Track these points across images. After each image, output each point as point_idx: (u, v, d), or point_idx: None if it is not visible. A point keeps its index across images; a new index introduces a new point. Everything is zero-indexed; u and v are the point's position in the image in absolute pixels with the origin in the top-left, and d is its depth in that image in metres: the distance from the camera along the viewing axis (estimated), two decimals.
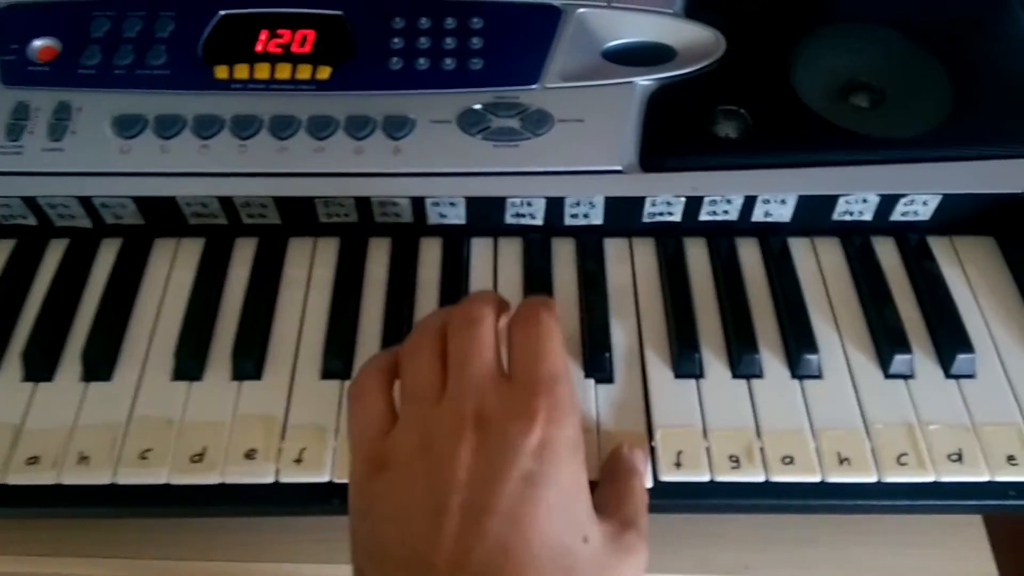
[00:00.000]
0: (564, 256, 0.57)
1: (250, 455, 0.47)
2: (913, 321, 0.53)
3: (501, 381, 0.39)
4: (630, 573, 0.38)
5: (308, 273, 0.56)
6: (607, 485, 0.43)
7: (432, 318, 0.43)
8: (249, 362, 0.51)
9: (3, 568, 0.52)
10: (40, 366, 0.51)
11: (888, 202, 0.55)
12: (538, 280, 0.55)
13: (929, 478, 0.46)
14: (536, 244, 0.57)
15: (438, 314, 0.43)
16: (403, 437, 0.38)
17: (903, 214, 0.56)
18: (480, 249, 0.57)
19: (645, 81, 0.57)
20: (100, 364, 0.51)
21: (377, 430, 0.40)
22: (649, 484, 0.45)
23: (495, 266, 0.57)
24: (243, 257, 0.56)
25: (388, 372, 0.42)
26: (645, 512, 0.42)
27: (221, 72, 0.57)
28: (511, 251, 0.57)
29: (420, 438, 0.38)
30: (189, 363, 0.51)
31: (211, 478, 0.47)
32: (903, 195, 0.54)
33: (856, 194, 0.54)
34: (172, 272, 0.56)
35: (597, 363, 0.51)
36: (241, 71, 0.57)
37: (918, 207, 0.55)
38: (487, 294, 0.44)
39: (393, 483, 0.37)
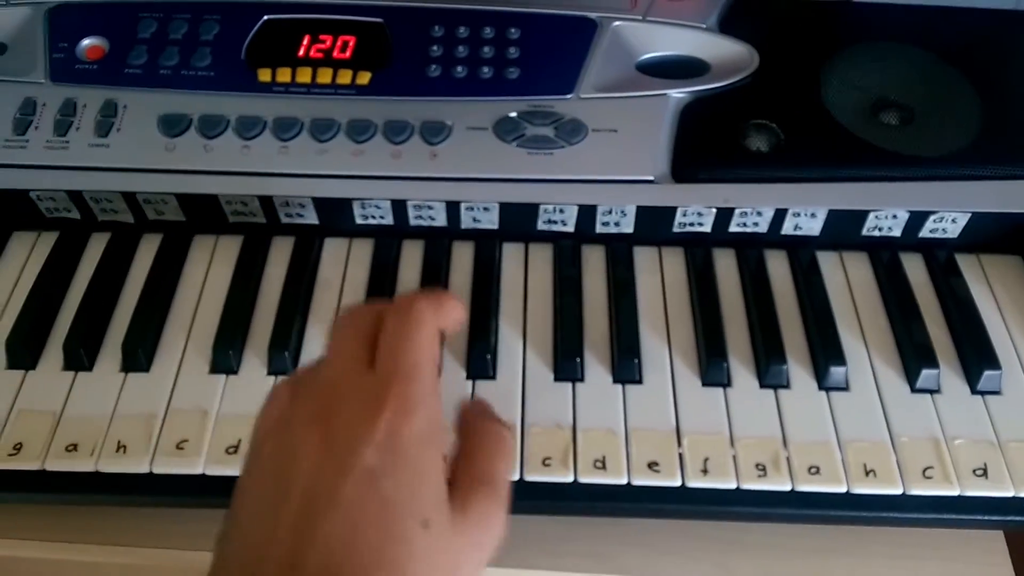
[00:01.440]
0: (594, 263, 0.58)
1: None
2: (940, 337, 0.54)
3: (364, 372, 0.37)
4: (477, 545, 0.36)
5: (343, 273, 0.57)
6: (461, 443, 0.39)
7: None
8: (284, 357, 0.52)
9: (34, 554, 0.53)
10: (80, 356, 0.52)
11: (917, 219, 0.55)
12: (568, 286, 0.56)
13: (954, 492, 0.47)
14: (567, 251, 0.58)
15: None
16: (266, 409, 0.37)
17: (932, 231, 0.56)
18: (511, 254, 0.58)
19: (678, 94, 0.58)
20: (139, 356, 0.52)
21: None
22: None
23: (526, 271, 0.57)
24: (280, 255, 0.58)
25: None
26: (501, 462, 0.39)
27: (264, 75, 0.58)
28: (542, 257, 0.58)
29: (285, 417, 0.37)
30: (226, 357, 0.52)
31: None
32: (932, 212, 0.55)
33: (886, 210, 0.55)
34: (211, 268, 0.57)
35: (626, 369, 0.51)
36: (283, 74, 0.58)
37: (947, 224, 0.56)
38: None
39: (250, 468, 0.36)
